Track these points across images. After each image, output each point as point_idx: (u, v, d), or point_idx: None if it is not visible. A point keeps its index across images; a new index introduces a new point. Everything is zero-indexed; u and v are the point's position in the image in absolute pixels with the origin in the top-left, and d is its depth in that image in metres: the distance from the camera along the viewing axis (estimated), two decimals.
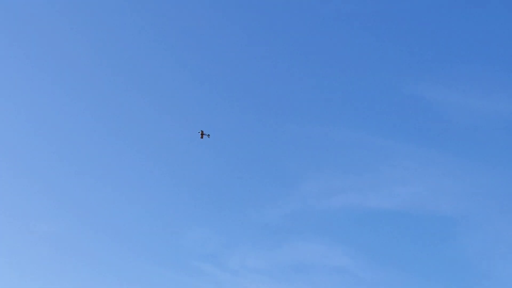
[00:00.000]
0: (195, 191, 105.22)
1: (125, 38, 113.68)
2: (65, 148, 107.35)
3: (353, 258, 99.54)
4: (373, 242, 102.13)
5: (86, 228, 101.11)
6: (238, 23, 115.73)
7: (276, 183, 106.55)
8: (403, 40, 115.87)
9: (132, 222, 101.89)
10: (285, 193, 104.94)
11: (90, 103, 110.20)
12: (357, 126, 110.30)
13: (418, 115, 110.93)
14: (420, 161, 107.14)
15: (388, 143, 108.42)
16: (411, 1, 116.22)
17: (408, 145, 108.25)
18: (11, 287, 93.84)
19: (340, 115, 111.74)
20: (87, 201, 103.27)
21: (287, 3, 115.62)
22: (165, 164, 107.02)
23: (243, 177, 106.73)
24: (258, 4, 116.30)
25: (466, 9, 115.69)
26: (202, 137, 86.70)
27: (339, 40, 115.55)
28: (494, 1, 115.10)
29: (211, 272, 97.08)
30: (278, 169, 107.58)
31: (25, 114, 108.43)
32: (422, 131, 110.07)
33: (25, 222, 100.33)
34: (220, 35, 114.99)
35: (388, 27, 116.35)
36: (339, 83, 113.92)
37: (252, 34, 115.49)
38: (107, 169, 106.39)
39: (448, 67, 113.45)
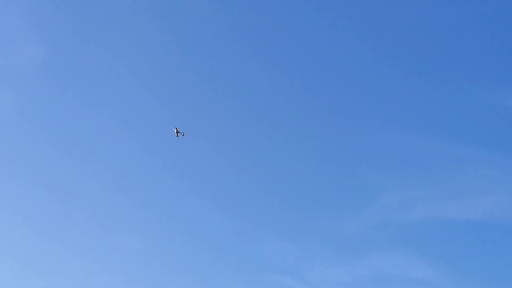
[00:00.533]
0: (273, 203, 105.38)
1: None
2: (151, 163, 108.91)
3: (435, 270, 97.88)
4: (455, 253, 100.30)
5: (169, 243, 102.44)
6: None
7: (354, 194, 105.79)
8: (482, 47, 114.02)
9: (211, 235, 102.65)
10: (364, 205, 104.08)
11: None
12: (437, 134, 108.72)
13: (499, 123, 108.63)
14: (502, 170, 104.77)
15: (469, 151, 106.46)
16: (489, 7, 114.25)
17: (489, 154, 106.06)
18: None
19: (420, 124, 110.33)
20: (171, 216, 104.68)
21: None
22: (244, 176, 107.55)
23: (321, 189, 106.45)
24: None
25: None
26: (177, 136, 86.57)
27: (418, 46, 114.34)
28: None
29: (290, 285, 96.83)
30: (356, 180, 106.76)
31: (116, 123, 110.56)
32: (504, 139, 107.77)
33: (112, 238, 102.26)
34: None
35: (466, 33, 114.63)
36: (419, 91, 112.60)
37: (327, 35, 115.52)
38: (188, 182, 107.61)
39: None
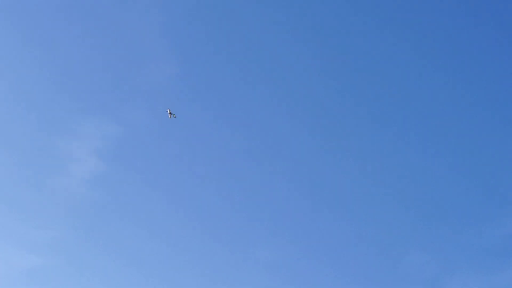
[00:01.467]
0: (413, 214, 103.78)
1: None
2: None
3: None
4: None
5: (303, 255, 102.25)
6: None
7: (495, 202, 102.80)
8: None
9: (351, 249, 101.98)
10: (506, 213, 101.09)
11: None
12: None
13: None
14: None
15: None
16: None
17: None
18: None
19: None
20: (306, 228, 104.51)
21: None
22: (382, 187, 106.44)
23: (460, 197, 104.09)
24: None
25: None
26: (170, 117, 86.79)
27: None
28: None
29: None
30: (497, 188, 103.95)
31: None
32: None
33: (245, 249, 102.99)
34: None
35: None
36: None
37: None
38: (327, 193, 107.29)
39: None
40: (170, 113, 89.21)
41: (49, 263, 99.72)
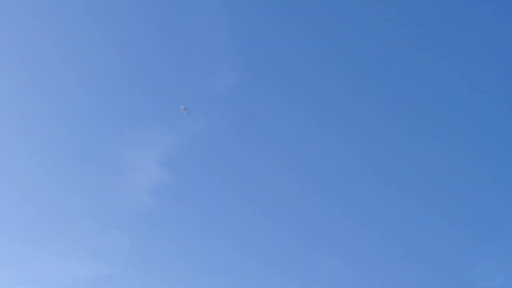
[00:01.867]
0: (480, 224, 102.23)
1: None
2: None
3: None
4: None
5: (363, 265, 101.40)
6: None
7: None
8: None
9: (414, 258, 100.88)
10: None
11: None
12: None
13: None
14: None
15: None
16: None
17: None
18: None
19: None
20: (368, 238, 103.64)
21: None
22: (451, 192, 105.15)
23: None
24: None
25: None
26: (184, 112, 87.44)
27: None
28: None
29: None
30: None
31: None
32: None
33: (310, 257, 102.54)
34: None
35: None
36: None
37: None
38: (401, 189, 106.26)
39: None
40: (185, 109, 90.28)
41: (115, 272, 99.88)
